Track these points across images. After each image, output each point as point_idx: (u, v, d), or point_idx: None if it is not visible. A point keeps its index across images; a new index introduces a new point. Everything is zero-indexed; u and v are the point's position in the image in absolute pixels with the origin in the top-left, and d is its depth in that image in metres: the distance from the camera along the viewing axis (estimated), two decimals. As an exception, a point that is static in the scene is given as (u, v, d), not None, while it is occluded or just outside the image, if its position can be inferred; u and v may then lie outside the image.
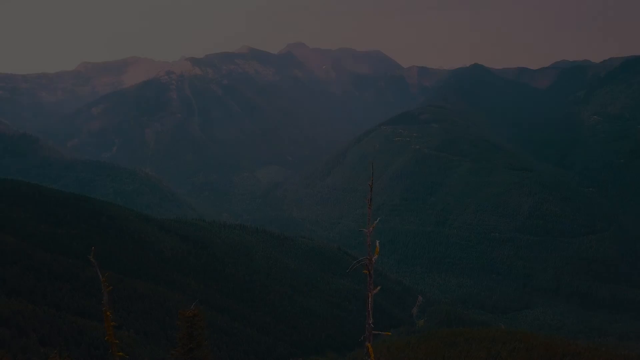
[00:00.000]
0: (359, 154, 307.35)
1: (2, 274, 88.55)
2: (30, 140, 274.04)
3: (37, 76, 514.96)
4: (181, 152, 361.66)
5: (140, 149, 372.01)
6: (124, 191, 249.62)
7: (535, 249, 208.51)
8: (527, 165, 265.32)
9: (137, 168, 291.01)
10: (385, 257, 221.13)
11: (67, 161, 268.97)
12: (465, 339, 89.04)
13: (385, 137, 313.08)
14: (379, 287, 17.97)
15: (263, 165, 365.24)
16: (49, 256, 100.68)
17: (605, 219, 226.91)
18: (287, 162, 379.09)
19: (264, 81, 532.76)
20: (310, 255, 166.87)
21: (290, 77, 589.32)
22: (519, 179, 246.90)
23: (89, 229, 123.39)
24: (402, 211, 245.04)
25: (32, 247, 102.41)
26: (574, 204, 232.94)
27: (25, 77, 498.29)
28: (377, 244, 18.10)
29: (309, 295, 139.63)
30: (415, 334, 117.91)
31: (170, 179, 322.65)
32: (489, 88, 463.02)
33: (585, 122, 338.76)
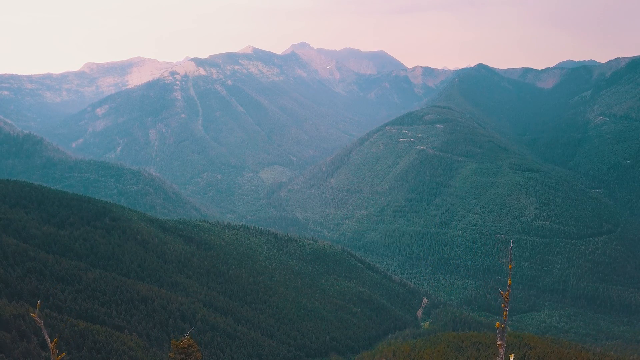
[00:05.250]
0: (364, 155, 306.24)
1: (4, 276, 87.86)
2: (34, 140, 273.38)
3: (42, 76, 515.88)
4: (185, 152, 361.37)
5: (144, 150, 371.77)
6: (128, 192, 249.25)
7: (541, 251, 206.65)
8: (532, 166, 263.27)
9: (141, 168, 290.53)
10: (390, 258, 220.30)
11: (71, 161, 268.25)
12: (472, 344, 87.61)
13: (389, 137, 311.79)
14: None
15: (267, 166, 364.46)
16: (52, 258, 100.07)
17: (611, 220, 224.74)
18: (291, 163, 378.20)
19: (268, 81, 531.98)
20: (314, 256, 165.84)
21: (294, 78, 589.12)
22: (525, 179, 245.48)
23: (92, 231, 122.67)
24: (407, 212, 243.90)
25: (34, 249, 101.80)
26: (580, 205, 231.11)
27: (30, 77, 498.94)
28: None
29: (313, 297, 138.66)
30: (421, 336, 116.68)
31: (174, 179, 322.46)
32: (493, 88, 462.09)
33: (591, 122, 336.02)
